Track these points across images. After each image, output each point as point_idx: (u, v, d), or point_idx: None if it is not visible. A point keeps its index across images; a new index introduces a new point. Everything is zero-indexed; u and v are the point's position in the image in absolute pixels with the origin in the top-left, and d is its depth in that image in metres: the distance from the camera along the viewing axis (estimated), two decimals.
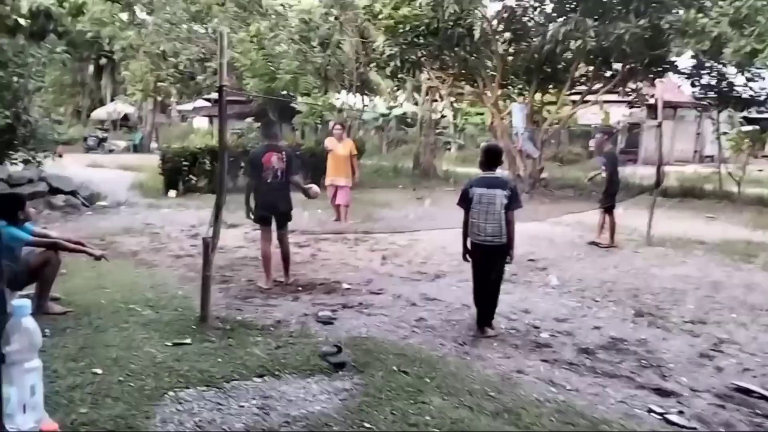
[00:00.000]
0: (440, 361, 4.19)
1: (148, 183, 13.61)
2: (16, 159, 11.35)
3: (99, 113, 39.80)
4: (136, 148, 26.83)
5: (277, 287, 6.03)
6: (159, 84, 24.23)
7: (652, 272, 7.43)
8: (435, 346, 4.56)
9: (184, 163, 13.17)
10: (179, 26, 22.22)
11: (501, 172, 5.13)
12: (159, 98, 29.39)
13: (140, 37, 23.18)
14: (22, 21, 9.49)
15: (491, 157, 4.95)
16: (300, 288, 6.03)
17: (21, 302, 2.80)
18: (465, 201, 4.90)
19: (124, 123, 36.94)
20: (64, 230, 8.54)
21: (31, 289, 4.85)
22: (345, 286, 6.16)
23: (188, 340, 4.29)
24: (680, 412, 3.66)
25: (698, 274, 7.42)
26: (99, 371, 3.70)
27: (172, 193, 12.70)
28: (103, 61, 37.71)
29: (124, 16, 27.15)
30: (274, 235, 6.21)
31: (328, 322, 4.92)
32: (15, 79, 10.75)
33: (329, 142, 10.47)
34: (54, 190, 10.40)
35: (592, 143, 27.77)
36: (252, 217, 6.18)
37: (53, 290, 5.02)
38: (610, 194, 9.03)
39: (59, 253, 4.80)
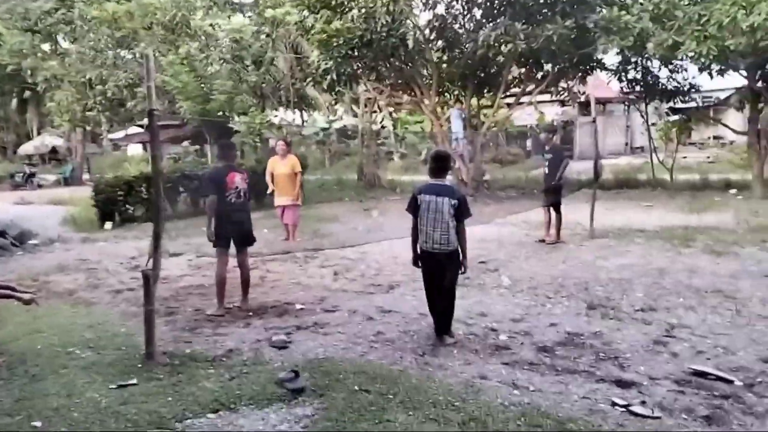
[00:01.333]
0: (402, 376, 4.09)
1: (81, 216, 12.96)
2: None
3: (26, 148, 38.11)
4: (67, 181, 25.67)
5: (228, 314, 5.80)
6: (87, 113, 23.38)
7: (598, 264, 7.58)
8: (395, 359, 4.45)
9: (119, 192, 12.65)
10: (105, 53, 21.56)
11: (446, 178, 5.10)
12: (88, 128, 28.35)
13: (64, 67, 22.34)
14: None
15: (440, 164, 4.90)
16: (251, 313, 5.81)
17: None
18: (413, 207, 4.85)
19: (53, 156, 35.45)
20: None
21: None
22: (298, 306, 5.98)
23: (134, 381, 4.03)
24: (642, 402, 3.68)
25: (642, 262, 7.62)
26: (38, 424, 3.42)
27: (108, 224, 12.14)
28: (27, 93, 36.21)
29: (47, 46, 26.12)
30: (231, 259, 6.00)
31: (283, 346, 4.74)
32: None
33: (272, 162, 10.09)
34: None
35: (528, 143, 28.67)
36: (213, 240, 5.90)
37: None
38: (557, 190, 9.16)
39: None
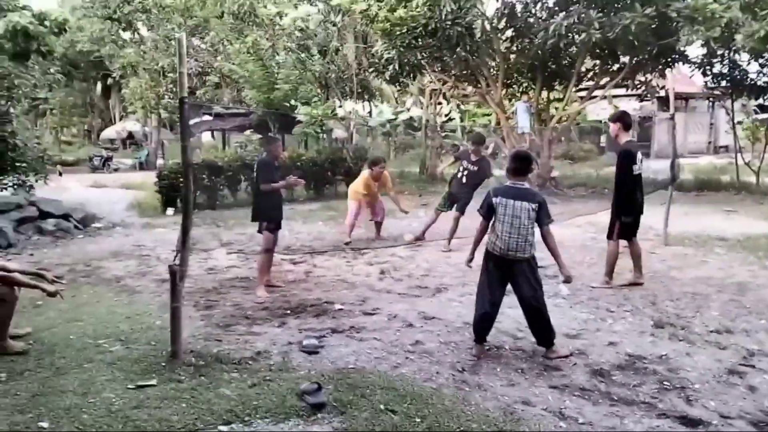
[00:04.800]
0: (434, 395, 3.73)
1: (146, 201, 13.24)
2: (6, 183, 11.07)
3: (108, 132, 39.91)
4: (142, 166, 26.58)
5: (263, 311, 5.60)
6: (161, 100, 24.10)
7: (671, 275, 6.91)
8: (430, 375, 4.09)
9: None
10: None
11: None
12: (165, 114, 29.26)
13: (139, 54, 23.06)
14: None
15: (520, 164, 4.48)
16: (288, 311, 5.59)
17: None
18: (487, 210, 4.46)
19: (131, 141, 36.94)
20: (51, 256, 8.25)
21: None
22: (337, 306, 5.70)
23: (154, 381, 3.86)
24: None
25: (721, 275, 6.90)
26: (45, 425, 3.29)
27: (170, 211, 12.32)
28: (110, 80, 37.86)
29: (127, 34, 27.10)
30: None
31: (314, 351, 4.46)
32: (2, 102, 10.48)
33: (369, 184, 9.09)
34: (45, 215, 10.06)
35: (602, 139, 27.32)
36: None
37: (20, 326, 4.68)
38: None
39: (15, 289, 4.40)
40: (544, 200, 4.46)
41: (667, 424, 3.44)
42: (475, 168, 8.45)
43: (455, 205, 8.61)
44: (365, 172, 9.34)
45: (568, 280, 4.59)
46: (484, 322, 4.50)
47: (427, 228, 8.82)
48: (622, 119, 6.45)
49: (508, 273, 4.43)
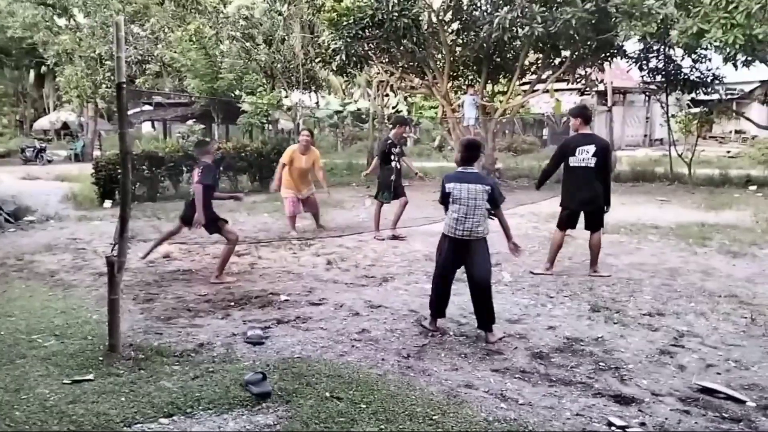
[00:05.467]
0: (380, 381, 3.76)
1: (82, 193, 12.76)
2: None
3: (42, 123, 38.25)
4: (78, 157, 25.55)
5: (206, 303, 5.50)
6: (98, 89, 23.19)
7: (607, 262, 7.17)
8: (376, 361, 4.12)
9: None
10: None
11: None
12: (102, 104, 28.17)
13: (74, 41, 22.10)
14: None
15: (470, 153, 4.71)
16: (232, 303, 5.51)
17: None
18: (443, 198, 4.69)
19: (66, 132, 35.47)
20: None
21: None
22: (283, 297, 5.65)
23: (91, 376, 3.74)
24: (642, 424, 3.32)
25: (654, 260, 7.21)
26: None
27: (107, 203, 11.90)
28: (44, 69, 36.16)
29: (62, 21, 25.87)
30: None
31: (259, 342, 4.42)
32: None
33: (291, 154, 8.83)
34: None
35: (545, 132, 28.05)
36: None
37: None
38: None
39: None
40: (495, 182, 4.72)
41: (602, 403, 3.57)
42: (400, 150, 8.68)
43: (397, 192, 8.67)
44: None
45: (516, 248, 4.82)
46: (440, 301, 4.75)
47: (378, 220, 8.82)
48: (583, 114, 6.66)
49: (463, 254, 4.63)
